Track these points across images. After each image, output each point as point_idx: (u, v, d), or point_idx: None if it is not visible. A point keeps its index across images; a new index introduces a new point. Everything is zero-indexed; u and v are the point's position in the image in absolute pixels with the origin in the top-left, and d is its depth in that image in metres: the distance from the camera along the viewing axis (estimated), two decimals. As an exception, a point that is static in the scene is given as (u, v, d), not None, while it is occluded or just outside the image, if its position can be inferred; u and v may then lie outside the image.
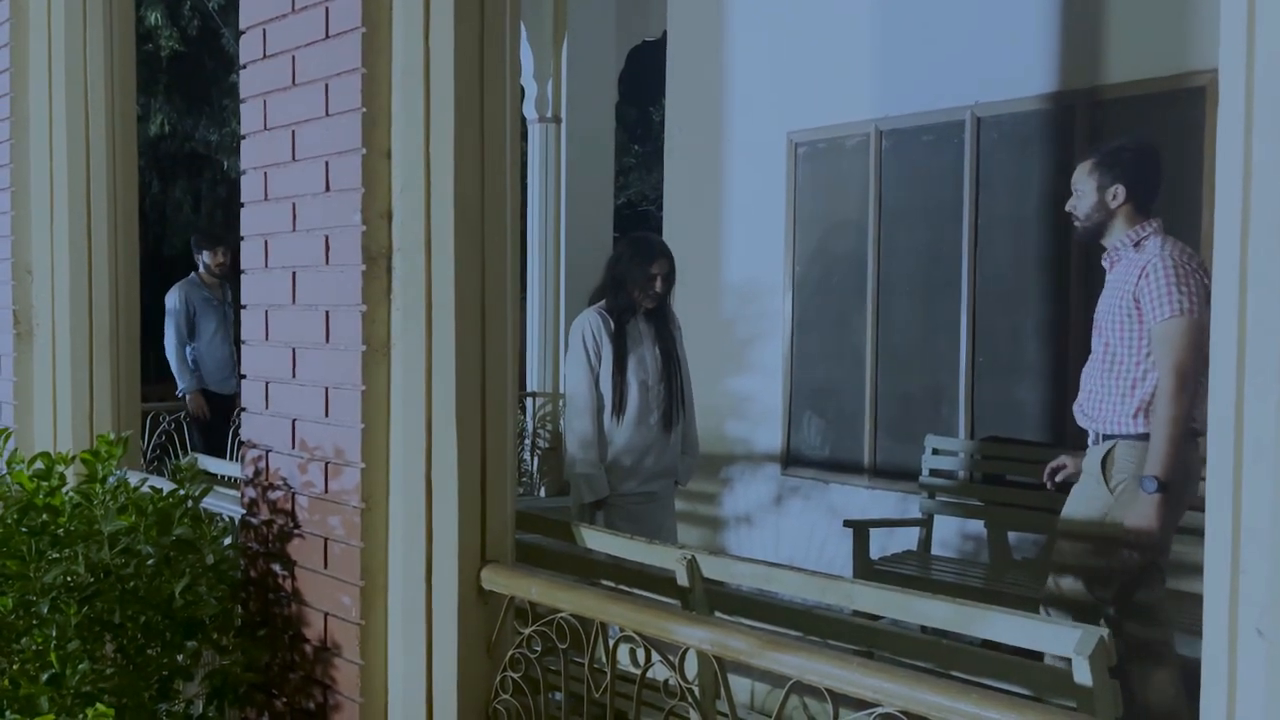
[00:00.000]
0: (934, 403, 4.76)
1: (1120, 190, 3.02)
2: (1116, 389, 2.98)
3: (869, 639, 2.11)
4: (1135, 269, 2.94)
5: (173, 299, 5.92)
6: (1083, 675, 1.63)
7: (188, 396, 5.83)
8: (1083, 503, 3.02)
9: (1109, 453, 2.96)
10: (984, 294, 4.55)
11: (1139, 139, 3.44)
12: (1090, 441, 3.07)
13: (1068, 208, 3.16)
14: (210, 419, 5.86)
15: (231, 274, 6.01)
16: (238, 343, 2.57)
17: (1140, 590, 3.00)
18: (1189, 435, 2.86)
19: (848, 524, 4.36)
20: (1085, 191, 3.07)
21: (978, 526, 4.51)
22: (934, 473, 4.56)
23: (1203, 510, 1.23)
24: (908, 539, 4.58)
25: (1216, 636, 1.17)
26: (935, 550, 4.53)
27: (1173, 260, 2.88)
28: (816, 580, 2.08)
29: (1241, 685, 1.15)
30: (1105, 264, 3.12)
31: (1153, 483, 2.83)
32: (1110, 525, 2.94)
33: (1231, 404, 1.17)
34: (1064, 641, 1.68)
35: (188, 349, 5.89)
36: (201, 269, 6.02)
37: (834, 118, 5.07)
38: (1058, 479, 3.29)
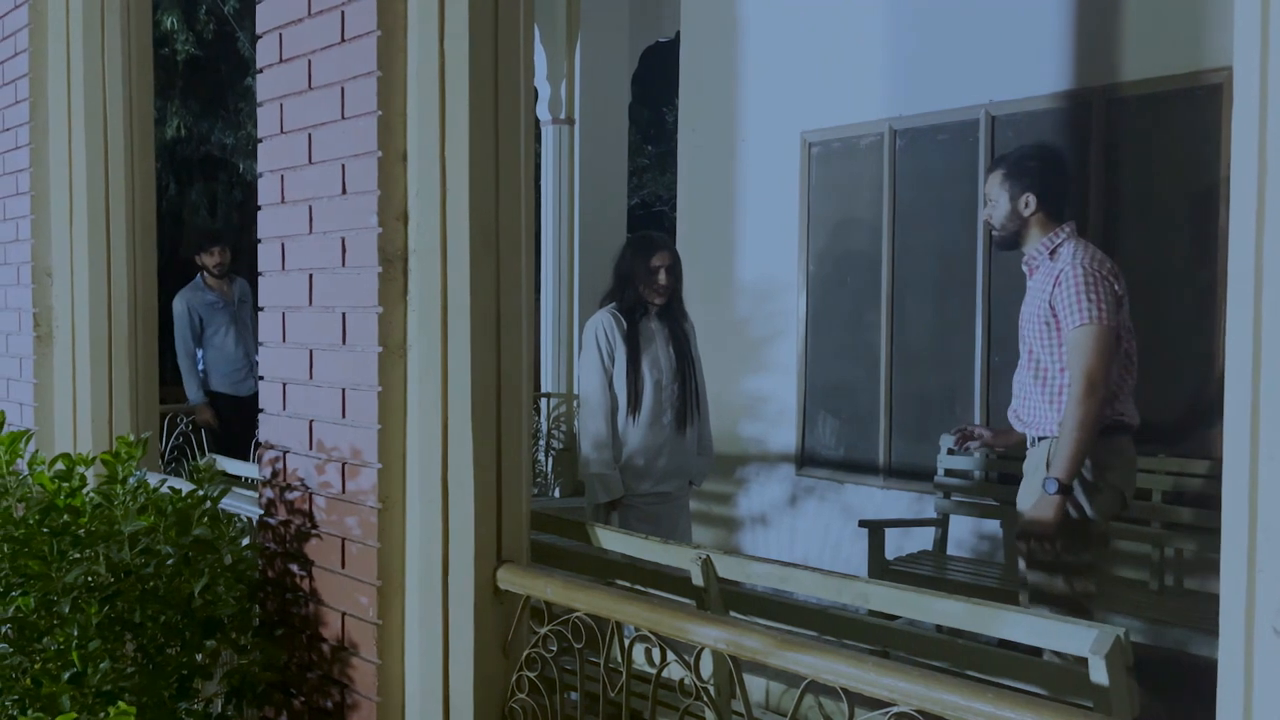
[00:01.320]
0: (949, 402, 4.75)
1: (1031, 199, 3.09)
2: (1044, 394, 3.06)
3: (884, 638, 2.11)
4: (1050, 277, 3.02)
5: (177, 308, 5.82)
6: (1099, 674, 1.63)
7: (196, 407, 5.79)
8: (1028, 503, 3.07)
9: (1047, 455, 3.03)
10: (999, 293, 4.54)
11: (1042, 145, 3.51)
12: (1029, 444, 3.15)
13: (984, 216, 3.25)
14: (223, 424, 5.82)
15: (234, 270, 5.99)
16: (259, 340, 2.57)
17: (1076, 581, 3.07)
18: (1109, 432, 2.98)
19: (863, 524, 4.36)
20: (999, 201, 3.14)
21: (993, 526, 4.50)
22: (949, 473, 4.55)
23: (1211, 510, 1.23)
24: (923, 539, 4.57)
25: (1233, 636, 1.17)
26: (951, 550, 4.52)
27: (1084, 269, 2.95)
28: (831, 580, 2.08)
29: (1258, 685, 1.15)
30: (1025, 270, 3.20)
31: (1054, 484, 2.93)
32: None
33: (1247, 402, 1.16)
34: (1080, 640, 1.67)
35: (199, 355, 5.86)
36: (204, 271, 5.93)
37: (848, 117, 5.07)
38: (970, 446, 3.43)
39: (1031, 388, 3.09)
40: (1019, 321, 3.21)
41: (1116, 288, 2.97)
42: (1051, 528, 2.94)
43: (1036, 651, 1.90)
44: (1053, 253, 3.06)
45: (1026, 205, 3.09)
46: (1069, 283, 2.94)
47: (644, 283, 3.66)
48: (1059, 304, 2.96)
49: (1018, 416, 3.19)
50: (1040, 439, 3.08)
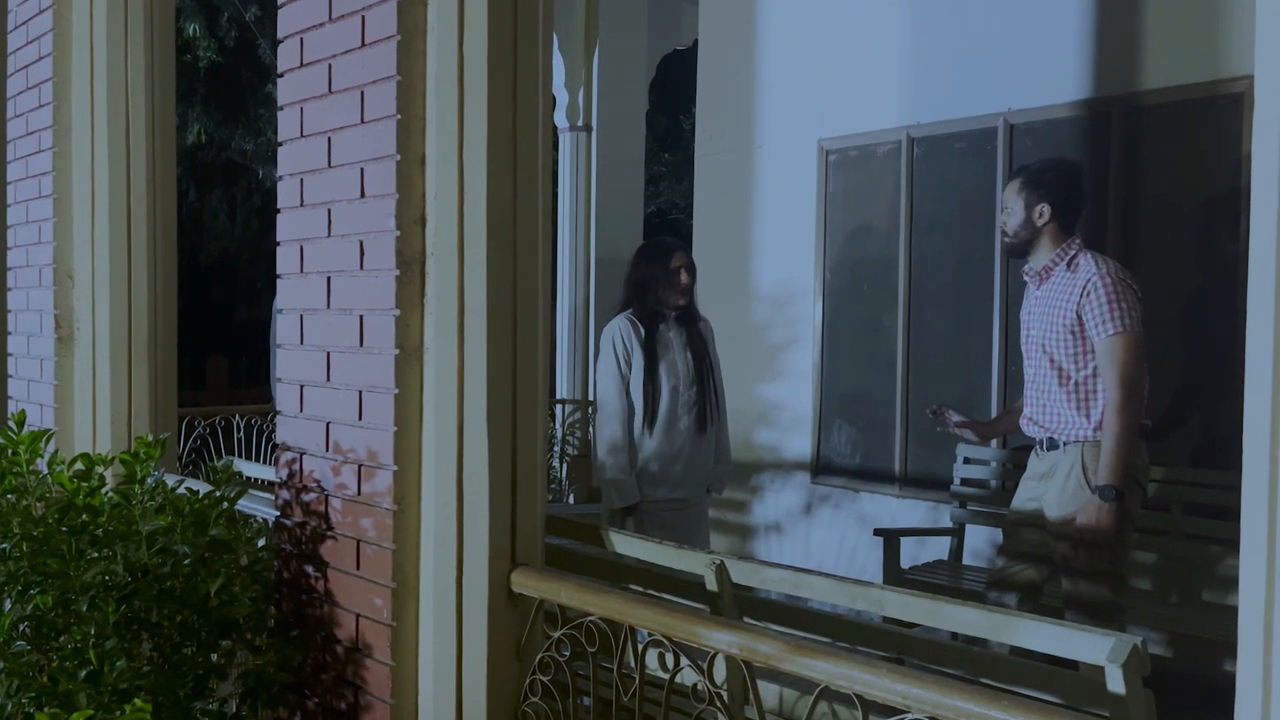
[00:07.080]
0: (966, 411, 4.70)
1: (1046, 209, 3.16)
2: (1071, 401, 3.11)
3: (898, 645, 2.10)
4: (1073, 287, 3.08)
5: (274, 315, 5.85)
6: (1116, 683, 1.62)
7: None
8: (1071, 507, 3.10)
9: (1081, 458, 3.08)
10: (1017, 302, 4.51)
11: (1062, 159, 3.59)
12: (1045, 447, 3.21)
13: (1000, 224, 3.34)
14: None
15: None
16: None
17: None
18: (1138, 440, 3.06)
19: (878, 533, 4.35)
20: (1014, 209, 3.22)
21: (1009, 536, 4.46)
22: (965, 482, 4.53)
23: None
24: (939, 548, 4.55)
25: (1251, 650, 1.16)
26: (966, 560, 4.50)
27: (1111, 279, 3.03)
28: (846, 586, 2.08)
29: (1276, 699, 1.14)
30: (1027, 278, 3.26)
31: (1111, 491, 2.98)
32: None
33: (1267, 413, 1.16)
34: (1097, 649, 1.66)
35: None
36: None
37: (865, 125, 5.06)
38: (954, 429, 3.51)
39: (1056, 394, 3.13)
40: (1025, 329, 3.27)
41: (1138, 296, 3.05)
42: (1108, 534, 2.99)
43: (1053, 660, 1.89)
44: (1070, 263, 3.12)
45: (1041, 215, 3.16)
46: (1099, 293, 3.01)
47: (665, 286, 3.66)
48: (1089, 313, 3.03)
49: (1035, 422, 3.22)
50: (1066, 443, 3.12)
